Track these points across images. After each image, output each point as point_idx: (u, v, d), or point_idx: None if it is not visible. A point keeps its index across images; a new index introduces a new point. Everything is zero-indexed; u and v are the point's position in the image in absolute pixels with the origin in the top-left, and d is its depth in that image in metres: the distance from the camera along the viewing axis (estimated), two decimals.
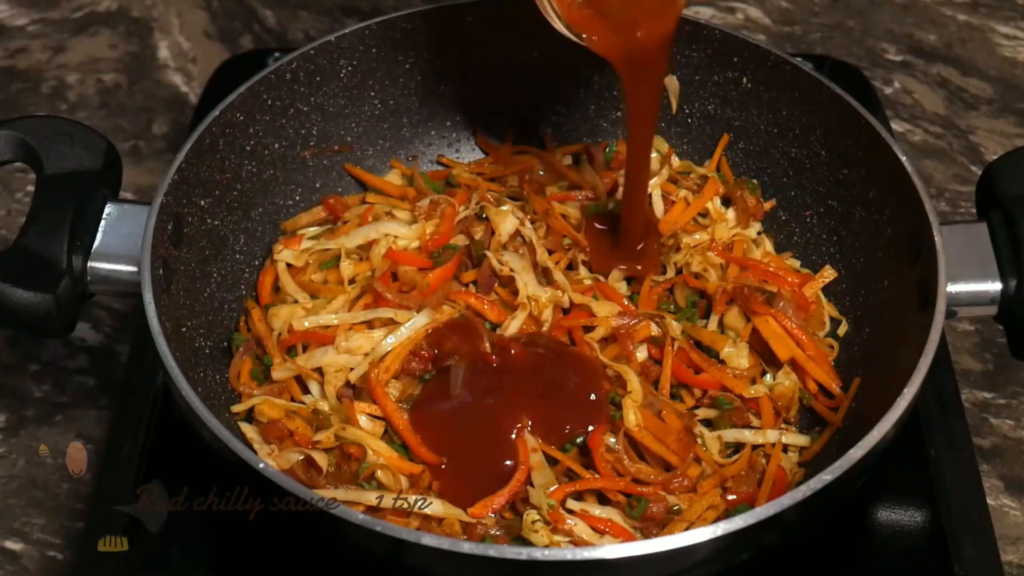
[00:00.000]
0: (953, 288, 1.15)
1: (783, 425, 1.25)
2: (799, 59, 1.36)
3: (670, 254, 1.37)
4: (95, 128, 1.26)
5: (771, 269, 1.33)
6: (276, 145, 1.38)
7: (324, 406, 1.23)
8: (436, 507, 1.11)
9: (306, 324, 1.27)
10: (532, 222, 1.38)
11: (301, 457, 1.17)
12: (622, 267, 1.35)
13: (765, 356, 1.28)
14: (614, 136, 1.51)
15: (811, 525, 1.07)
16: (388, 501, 1.11)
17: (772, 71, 1.37)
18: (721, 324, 1.30)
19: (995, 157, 1.30)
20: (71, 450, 1.35)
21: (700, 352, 1.28)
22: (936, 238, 1.15)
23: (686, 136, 1.48)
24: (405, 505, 1.11)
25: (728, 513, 1.15)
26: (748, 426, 1.24)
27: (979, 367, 1.47)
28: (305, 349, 1.28)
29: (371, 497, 1.11)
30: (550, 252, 1.36)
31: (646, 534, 1.13)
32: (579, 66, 1.47)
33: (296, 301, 1.31)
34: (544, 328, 1.29)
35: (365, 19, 1.40)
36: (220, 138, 1.29)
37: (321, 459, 1.16)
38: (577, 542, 1.10)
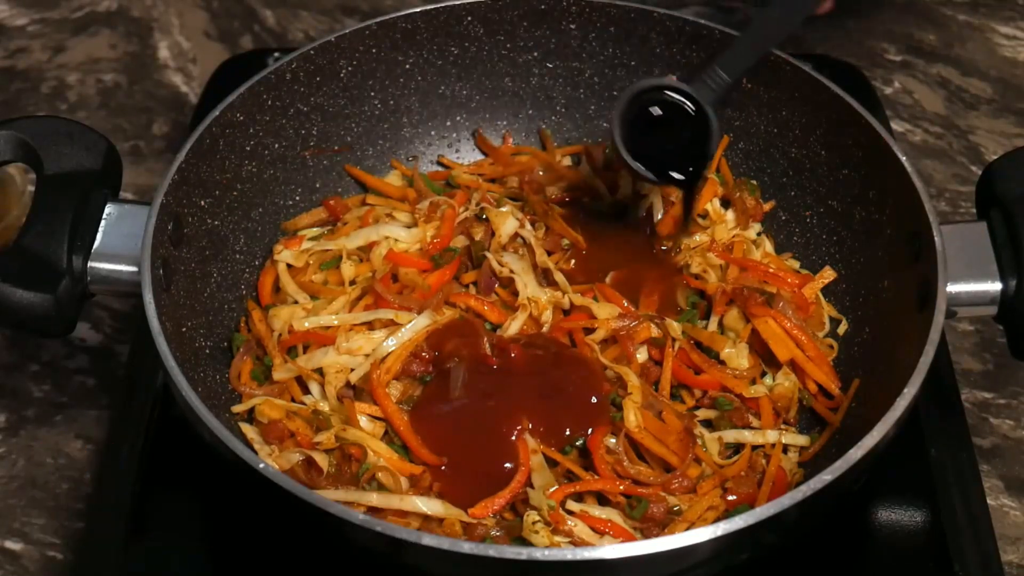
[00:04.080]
0: (953, 288, 1.15)
1: (783, 426, 1.25)
2: (799, 59, 1.36)
3: (670, 255, 1.37)
4: (95, 128, 1.25)
5: (771, 270, 1.33)
6: (276, 145, 1.38)
7: (325, 407, 1.23)
8: (436, 507, 1.11)
9: (306, 325, 1.27)
10: (532, 223, 1.38)
11: (302, 458, 1.17)
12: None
13: (765, 357, 1.28)
14: None
15: (811, 525, 1.07)
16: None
17: (772, 71, 1.37)
18: (721, 325, 1.30)
19: (995, 157, 1.30)
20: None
21: (700, 353, 1.27)
22: (936, 238, 1.15)
23: None
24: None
25: (728, 513, 1.15)
26: (748, 427, 1.24)
27: (979, 367, 1.47)
28: (306, 350, 1.28)
29: (372, 498, 1.12)
30: (549, 253, 1.36)
31: (646, 534, 1.13)
32: (579, 66, 1.47)
33: (296, 302, 1.31)
34: (544, 329, 1.29)
35: (365, 19, 1.41)
36: (220, 138, 1.29)
37: (322, 460, 1.16)
38: (577, 543, 1.10)
